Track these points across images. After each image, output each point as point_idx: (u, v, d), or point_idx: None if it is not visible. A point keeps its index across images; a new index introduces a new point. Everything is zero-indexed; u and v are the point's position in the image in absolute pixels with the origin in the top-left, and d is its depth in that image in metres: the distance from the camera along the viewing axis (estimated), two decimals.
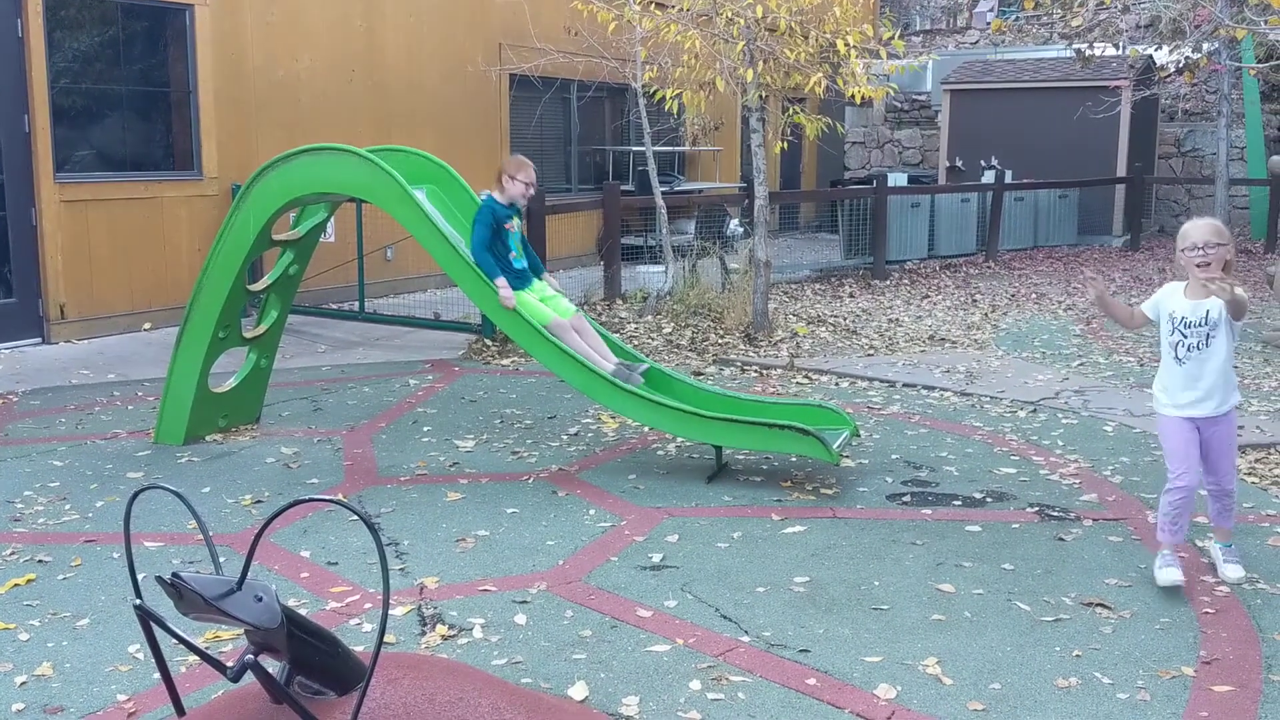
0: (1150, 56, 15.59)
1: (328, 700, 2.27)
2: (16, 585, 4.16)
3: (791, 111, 9.94)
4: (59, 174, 8.83)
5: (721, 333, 9.20)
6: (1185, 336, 4.10)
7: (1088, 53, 13.37)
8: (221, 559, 2.24)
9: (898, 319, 10.29)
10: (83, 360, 8.32)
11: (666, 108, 9.69)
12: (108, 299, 9.26)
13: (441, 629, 3.79)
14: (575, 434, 6.35)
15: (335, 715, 2.22)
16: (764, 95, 9.21)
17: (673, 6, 9.18)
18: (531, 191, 5.97)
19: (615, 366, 5.72)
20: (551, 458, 5.88)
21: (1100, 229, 16.70)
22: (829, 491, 5.31)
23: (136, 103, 9.50)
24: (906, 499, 5.21)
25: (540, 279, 5.99)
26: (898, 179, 15.47)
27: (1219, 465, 4.20)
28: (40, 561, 4.41)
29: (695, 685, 3.40)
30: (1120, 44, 15.17)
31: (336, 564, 4.40)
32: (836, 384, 7.70)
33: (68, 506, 5.08)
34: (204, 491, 5.29)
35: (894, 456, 5.89)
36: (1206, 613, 3.93)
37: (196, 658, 2.72)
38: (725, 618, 3.90)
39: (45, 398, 7.17)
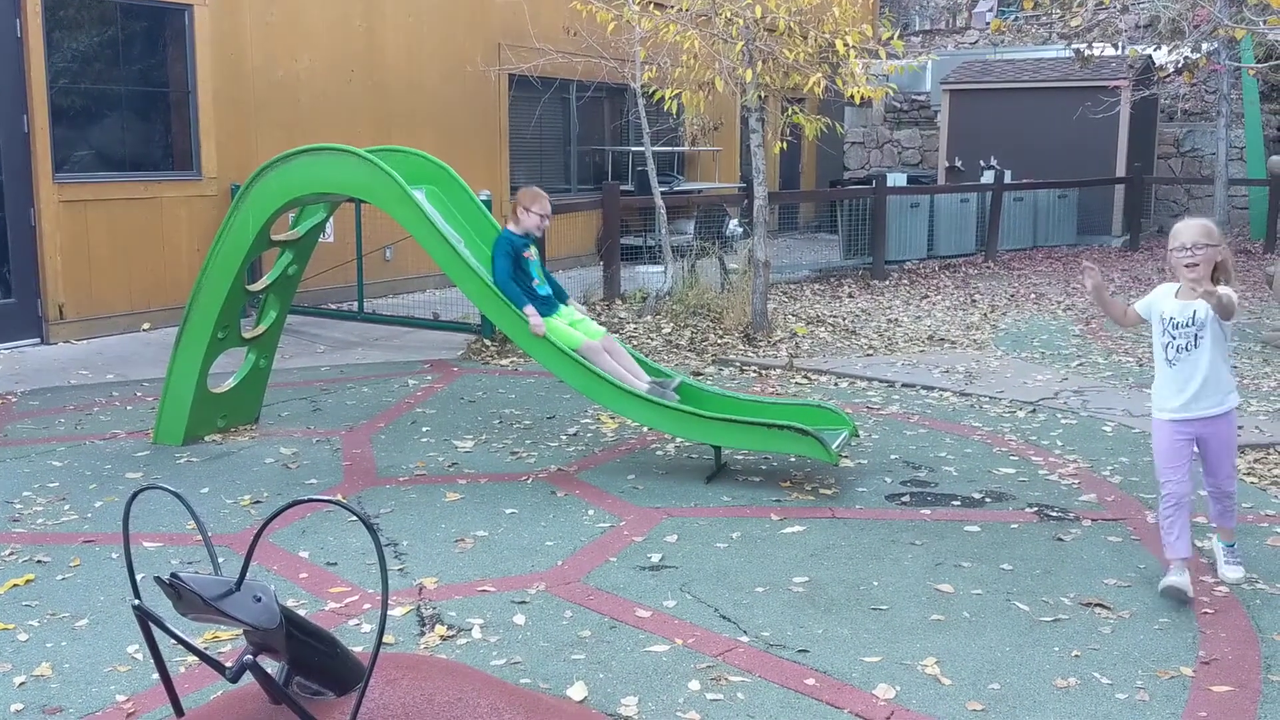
0: (1149, 56, 15.61)
1: (326, 700, 2.27)
2: (15, 585, 4.16)
3: (791, 112, 9.94)
4: (58, 174, 8.83)
5: (721, 333, 9.20)
6: (1174, 337, 4.08)
7: (1087, 53, 13.37)
8: (220, 559, 2.24)
9: (897, 319, 10.29)
10: (82, 360, 8.32)
11: (666, 108, 9.69)
12: (107, 299, 9.25)
13: (440, 629, 3.79)
14: (574, 434, 6.35)
15: (334, 715, 2.22)
16: (763, 95, 9.22)
17: (672, 6, 9.18)
18: (547, 223, 5.99)
19: (649, 385, 5.72)
20: (550, 458, 5.88)
21: (1100, 229, 16.70)
22: (828, 492, 5.31)
23: (136, 103, 9.49)
24: (905, 499, 5.21)
25: (566, 304, 6.01)
26: (897, 179, 15.46)
27: (1218, 467, 4.16)
28: (39, 562, 4.41)
29: (694, 685, 3.40)
30: (1119, 44, 15.15)
31: (335, 564, 4.40)
32: (835, 384, 7.70)
33: (66, 507, 5.08)
34: (203, 492, 5.29)
35: (893, 457, 5.89)
36: (1206, 613, 3.93)
37: (195, 658, 2.72)
38: (724, 618, 3.90)
39: (44, 398, 7.17)
